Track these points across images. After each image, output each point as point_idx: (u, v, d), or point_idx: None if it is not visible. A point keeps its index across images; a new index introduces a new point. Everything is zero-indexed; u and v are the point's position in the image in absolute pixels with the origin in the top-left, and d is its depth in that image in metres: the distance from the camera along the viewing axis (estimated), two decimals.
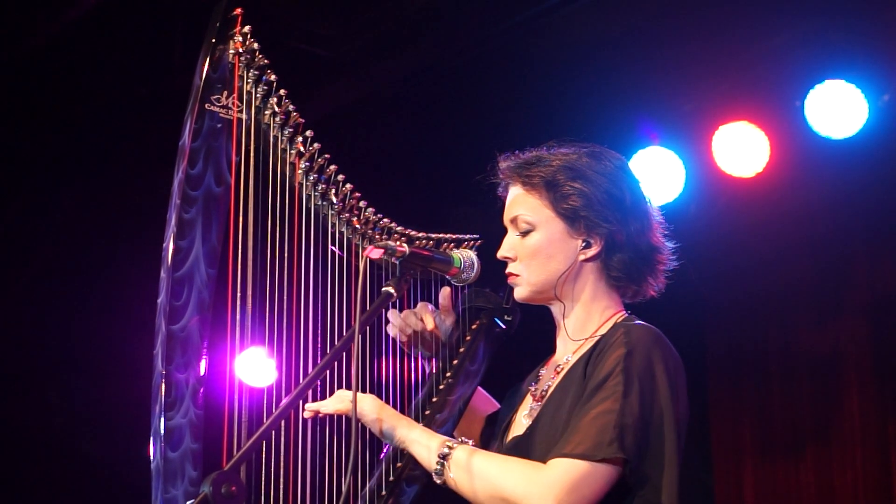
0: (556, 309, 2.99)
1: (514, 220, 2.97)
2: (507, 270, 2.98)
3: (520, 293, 2.99)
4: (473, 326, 3.15)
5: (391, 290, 2.85)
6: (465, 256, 3.03)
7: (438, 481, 2.80)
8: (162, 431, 2.72)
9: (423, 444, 2.83)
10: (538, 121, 5.71)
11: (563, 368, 2.93)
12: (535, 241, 2.94)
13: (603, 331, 2.91)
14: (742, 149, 5.73)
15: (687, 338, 6.16)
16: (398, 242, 2.96)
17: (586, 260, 2.93)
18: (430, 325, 3.09)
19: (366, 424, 2.86)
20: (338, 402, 2.86)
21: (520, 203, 2.97)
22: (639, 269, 2.95)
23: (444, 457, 2.79)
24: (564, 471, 2.70)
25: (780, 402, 6.17)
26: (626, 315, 2.96)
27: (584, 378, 2.81)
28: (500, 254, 2.99)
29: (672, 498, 2.75)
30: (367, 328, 2.89)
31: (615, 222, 2.91)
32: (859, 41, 5.39)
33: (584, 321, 2.95)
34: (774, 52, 5.61)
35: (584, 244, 2.92)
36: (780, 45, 5.58)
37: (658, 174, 5.84)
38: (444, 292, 3.11)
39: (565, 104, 5.82)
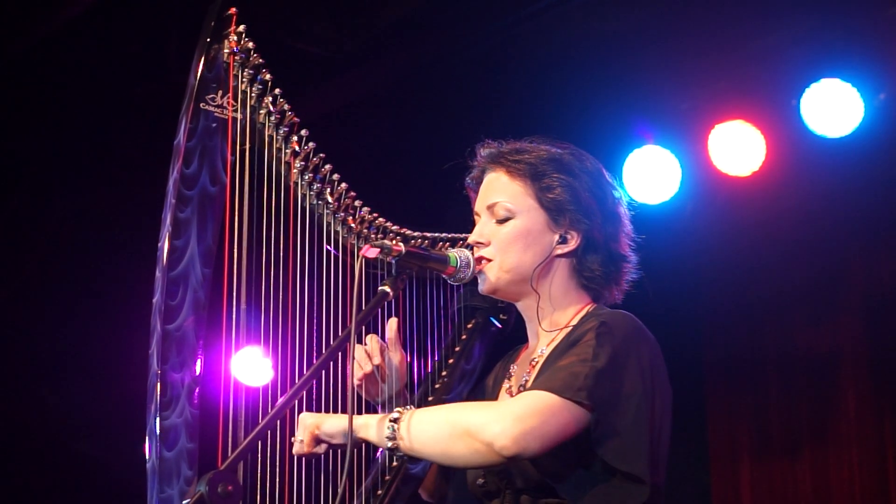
0: (525, 304, 2.93)
1: (491, 207, 2.92)
2: (478, 254, 2.92)
3: (487, 282, 2.91)
4: (469, 325, 3.15)
5: (387, 289, 2.84)
6: (462, 255, 3.02)
7: (390, 445, 2.70)
8: (157, 431, 2.72)
9: (371, 424, 2.74)
10: (535, 120, 5.68)
11: (538, 361, 2.90)
12: (513, 229, 2.90)
13: (575, 321, 2.88)
14: (738, 148, 5.73)
15: (684, 337, 6.21)
16: (394, 241, 2.95)
17: (561, 255, 2.90)
18: (376, 361, 3.00)
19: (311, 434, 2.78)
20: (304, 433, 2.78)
21: (501, 190, 2.92)
22: (608, 273, 2.92)
23: (395, 420, 2.71)
24: (530, 398, 2.66)
25: (776, 402, 6.16)
26: (597, 305, 2.93)
27: None
28: (472, 239, 2.94)
29: (640, 469, 2.66)
30: (363, 328, 2.89)
31: (596, 220, 2.89)
32: (855, 40, 5.39)
33: (558, 316, 2.91)
34: (770, 51, 5.61)
35: (560, 239, 2.89)
36: (776, 44, 5.58)
37: (654, 173, 5.84)
38: (392, 324, 3.04)
39: (562, 103, 5.82)
